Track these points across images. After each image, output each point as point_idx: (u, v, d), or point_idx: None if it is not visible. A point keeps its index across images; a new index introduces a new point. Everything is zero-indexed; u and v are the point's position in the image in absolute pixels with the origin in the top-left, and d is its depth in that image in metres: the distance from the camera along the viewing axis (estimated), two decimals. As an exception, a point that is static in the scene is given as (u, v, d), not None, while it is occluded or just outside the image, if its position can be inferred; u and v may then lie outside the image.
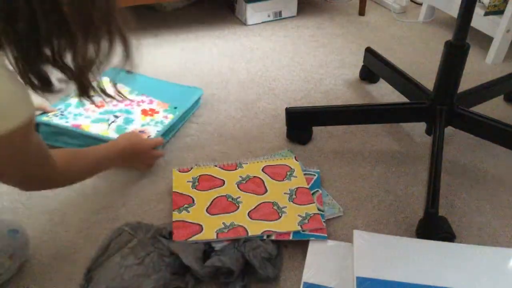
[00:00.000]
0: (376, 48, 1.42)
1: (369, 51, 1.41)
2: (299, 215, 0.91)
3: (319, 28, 1.80)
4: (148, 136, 1.08)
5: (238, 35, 1.73)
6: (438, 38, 1.72)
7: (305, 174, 1.03)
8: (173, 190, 0.98)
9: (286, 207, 0.93)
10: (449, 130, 1.13)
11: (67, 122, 1.09)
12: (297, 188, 0.98)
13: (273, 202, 0.94)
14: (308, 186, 0.99)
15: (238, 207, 0.93)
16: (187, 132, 1.20)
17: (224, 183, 1.00)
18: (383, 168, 1.09)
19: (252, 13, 1.79)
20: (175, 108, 1.19)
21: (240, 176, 1.02)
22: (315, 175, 1.03)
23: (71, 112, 1.13)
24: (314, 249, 0.86)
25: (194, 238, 0.85)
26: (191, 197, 0.96)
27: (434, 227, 0.90)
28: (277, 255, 0.84)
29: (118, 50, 0.67)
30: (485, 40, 1.57)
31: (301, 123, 1.18)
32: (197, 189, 0.98)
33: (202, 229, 0.88)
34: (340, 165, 1.10)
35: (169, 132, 1.15)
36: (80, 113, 1.13)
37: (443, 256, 0.83)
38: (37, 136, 0.66)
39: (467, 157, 1.13)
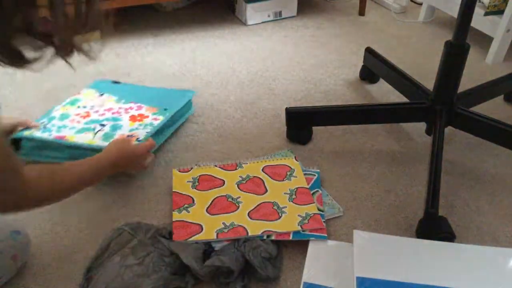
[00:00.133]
0: (376, 48, 1.42)
1: (369, 51, 1.41)
2: (299, 215, 0.91)
3: (319, 28, 1.80)
4: (137, 139, 1.02)
5: (238, 35, 1.73)
6: (438, 38, 1.72)
7: (305, 174, 1.03)
8: (173, 190, 0.98)
9: (286, 207, 0.93)
10: (449, 130, 1.13)
11: (50, 134, 1.03)
12: (297, 188, 0.98)
13: (273, 202, 0.94)
14: (308, 186, 0.99)
15: (238, 207, 0.93)
16: (187, 132, 1.20)
17: (224, 183, 1.00)
18: (383, 168, 1.09)
19: (252, 13, 1.79)
20: (165, 109, 1.15)
21: (240, 176, 1.02)
22: (315, 175, 1.03)
23: (55, 125, 1.07)
24: (314, 249, 0.86)
25: (194, 238, 0.85)
26: (191, 197, 0.96)
27: (434, 227, 0.90)
28: (277, 255, 0.84)
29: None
30: (485, 40, 1.57)
31: (301, 123, 1.18)
32: (197, 189, 0.98)
33: (202, 229, 0.88)
34: (340, 165, 1.10)
35: (160, 133, 1.10)
36: (65, 125, 1.07)
37: (443, 256, 0.83)
38: (3, 148, 0.61)
39: (467, 157, 1.13)
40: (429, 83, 1.14)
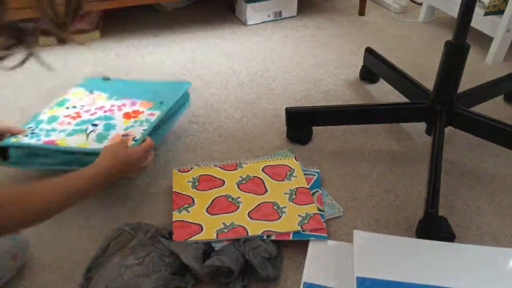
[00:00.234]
0: (376, 48, 1.42)
1: (369, 51, 1.41)
2: (299, 215, 0.91)
3: (319, 28, 1.80)
4: (134, 138, 0.95)
5: (238, 35, 1.73)
6: (438, 38, 1.72)
7: (305, 174, 1.03)
8: (173, 190, 0.98)
9: (286, 207, 0.93)
10: (449, 130, 1.13)
11: (38, 140, 0.95)
12: (297, 188, 0.98)
13: (273, 202, 0.94)
14: (308, 186, 0.99)
15: (238, 207, 0.93)
16: (187, 132, 1.20)
17: (224, 183, 1.00)
18: (383, 168, 1.09)
19: (252, 13, 1.79)
20: (161, 103, 1.07)
21: (240, 176, 1.02)
22: (315, 175, 1.03)
23: (43, 129, 0.99)
24: (314, 249, 0.86)
25: (194, 238, 0.85)
26: (191, 197, 0.96)
27: (434, 227, 0.90)
28: (277, 255, 0.84)
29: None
30: (485, 40, 1.57)
31: (301, 123, 1.18)
32: (197, 189, 0.98)
33: (202, 229, 0.88)
34: (340, 165, 1.10)
35: (158, 130, 1.03)
36: (54, 128, 0.99)
37: (443, 256, 0.83)
38: None
39: (467, 157, 1.13)
40: (429, 83, 1.14)
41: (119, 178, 0.88)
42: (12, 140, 0.95)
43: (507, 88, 1.32)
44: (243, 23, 1.81)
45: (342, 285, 0.80)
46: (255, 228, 0.87)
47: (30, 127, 1.00)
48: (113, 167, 0.83)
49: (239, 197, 0.96)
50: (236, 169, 1.04)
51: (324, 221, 0.91)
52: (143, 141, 0.94)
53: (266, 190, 0.98)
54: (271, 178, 1.01)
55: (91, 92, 1.14)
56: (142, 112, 1.04)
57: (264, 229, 0.87)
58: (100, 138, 0.97)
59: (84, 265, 0.82)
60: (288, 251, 0.88)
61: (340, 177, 1.06)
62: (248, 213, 0.91)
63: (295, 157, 1.09)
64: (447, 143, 1.16)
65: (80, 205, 0.96)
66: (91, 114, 1.05)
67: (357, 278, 0.78)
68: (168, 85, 1.19)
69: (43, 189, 0.70)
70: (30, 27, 0.59)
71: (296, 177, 1.02)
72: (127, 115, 1.04)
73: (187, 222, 0.89)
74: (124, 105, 1.08)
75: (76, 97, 1.12)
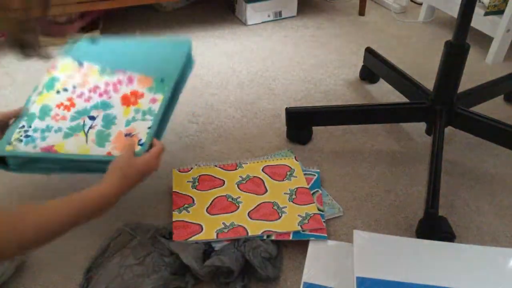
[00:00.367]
0: (376, 48, 1.42)
1: (369, 51, 1.41)
2: (299, 215, 0.91)
3: (319, 28, 1.80)
4: (139, 141, 0.87)
5: (238, 35, 1.73)
6: (438, 38, 1.72)
7: (305, 174, 1.03)
8: (173, 190, 0.98)
9: (286, 207, 0.93)
10: (449, 130, 1.13)
11: (35, 146, 0.87)
12: (297, 188, 0.98)
13: (273, 202, 0.94)
14: (308, 186, 0.99)
15: (238, 207, 0.93)
16: (187, 132, 1.20)
17: (224, 183, 1.00)
18: (383, 168, 1.09)
19: (252, 13, 1.79)
20: (162, 81, 0.94)
21: (240, 176, 1.02)
22: (315, 175, 1.03)
23: (37, 129, 0.90)
24: (314, 249, 0.86)
25: (194, 238, 0.85)
26: (191, 197, 0.96)
27: (434, 227, 0.90)
28: (277, 255, 0.84)
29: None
30: (485, 40, 1.57)
31: (301, 123, 1.18)
32: (197, 189, 0.98)
33: (202, 229, 0.88)
34: (340, 165, 1.10)
35: (162, 123, 0.93)
36: (48, 127, 0.90)
37: (443, 256, 0.83)
38: None
39: (467, 157, 1.13)
40: (429, 83, 1.14)
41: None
42: (7, 148, 0.87)
43: (507, 88, 1.32)
44: (243, 23, 1.81)
45: (342, 285, 0.80)
46: (255, 228, 0.87)
47: (22, 127, 0.91)
48: (121, 188, 0.76)
49: (239, 197, 0.96)
50: (236, 169, 1.04)
51: (324, 221, 0.91)
52: (150, 144, 0.87)
53: (266, 190, 0.98)
54: (271, 178, 1.01)
55: (81, 64, 1.01)
56: (142, 94, 0.94)
57: (264, 229, 0.87)
58: (101, 139, 0.88)
59: (84, 265, 0.82)
60: (288, 251, 0.88)
61: (340, 177, 1.06)
62: (248, 213, 0.91)
63: (295, 157, 1.09)
64: (447, 143, 1.16)
65: (80, 205, 0.97)
66: (86, 100, 0.94)
67: (357, 278, 0.78)
68: (166, 48, 1.03)
69: (38, 214, 0.65)
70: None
71: (296, 177, 1.02)
72: (125, 100, 0.94)
73: (187, 222, 0.89)
74: (119, 82, 0.96)
75: (65, 72, 1.00)
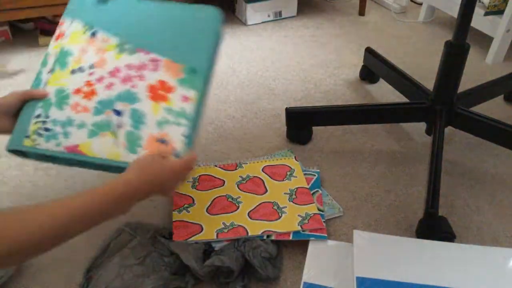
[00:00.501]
0: (376, 48, 1.42)
1: (369, 51, 1.41)
2: (299, 215, 0.91)
3: (319, 28, 1.80)
4: (173, 150, 0.76)
5: (238, 35, 1.73)
6: (438, 38, 1.72)
7: (305, 174, 1.03)
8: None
9: (286, 207, 0.93)
10: (449, 130, 1.13)
11: (58, 144, 0.78)
12: (297, 188, 0.98)
13: (273, 202, 0.94)
14: (308, 186, 0.99)
15: (238, 207, 0.93)
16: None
17: (224, 183, 1.00)
18: (383, 168, 1.09)
19: (252, 13, 1.79)
20: (194, 72, 0.81)
21: (240, 176, 1.02)
22: (315, 175, 1.03)
23: (57, 122, 0.80)
24: (314, 249, 0.86)
25: (194, 238, 0.85)
26: (191, 197, 0.96)
27: (434, 227, 0.90)
28: (277, 255, 0.85)
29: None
30: (485, 40, 1.57)
31: (301, 123, 1.18)
32: (197, 189, 0.98)
33: (202, 229, 0.88)
34: (340, 165, 1.10)
35: (197, 116, 0.80)
36: (70, 119, 0.80)
37: (443, 256, 0.83)
38: None
39: (467, 157, 1.13)
40: (429, 83, 1.14)
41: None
42: (27, 142, 0.79)
43: (507, 88, 1.32)
44: (243, 23, 1.81)
45: (342, 285, 0.80)
46: (255, 228, 0.87)
47: (38, 116, 0.81)
48: (139, 182, 0.71)
49: (239, 197, 0.96)
50: (236, 169, 1.04)
51: (324, 221, 0.91)
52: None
53: (266, 190, 0.98)
54: (271, 178, 1.01)
55: (93, 35, 0.86)
56: (172, 88, 0.80)
57: (264, 229, 0.87)
58: (132, 143, 0.77)
59: (84, 265, 0.82)
60: (288, 251, 0.88)
61: (340, 177, 1.06)
62: (248, 213, 0.91)
63: (295, 157, 1.09)
64: (447, 143, 1.16)
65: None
66: (107, 87, 0.81)
67: (357, 278, 0.78)
68: (193, 20, 0.85)
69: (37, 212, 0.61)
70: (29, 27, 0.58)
71: (296, 177, 1.02)
72: (154, 92, 0.80)
73: (187, 222, 0.89)
74: (143, 66, 0.82)
75: (76, 44, 0.86)
